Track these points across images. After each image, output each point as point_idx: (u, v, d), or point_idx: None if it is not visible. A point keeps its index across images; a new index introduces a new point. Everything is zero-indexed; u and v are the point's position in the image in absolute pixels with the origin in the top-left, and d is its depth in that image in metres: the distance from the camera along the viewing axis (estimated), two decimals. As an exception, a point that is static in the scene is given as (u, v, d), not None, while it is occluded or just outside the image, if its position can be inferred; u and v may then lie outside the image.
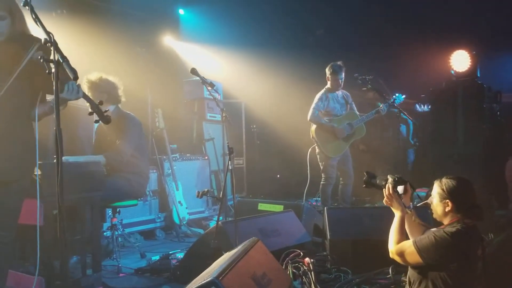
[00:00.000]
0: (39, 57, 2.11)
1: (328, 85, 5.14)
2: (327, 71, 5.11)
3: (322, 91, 5.13)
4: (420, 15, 6.98)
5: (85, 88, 3.77)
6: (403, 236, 2.38)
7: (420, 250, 2.21)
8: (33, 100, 2.53)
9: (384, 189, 2.49)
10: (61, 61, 2.00)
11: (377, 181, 2.58)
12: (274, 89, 7.17)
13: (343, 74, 5.09)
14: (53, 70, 2.01)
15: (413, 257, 2.24)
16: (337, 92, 5.17)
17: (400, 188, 2.44)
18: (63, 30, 4.88)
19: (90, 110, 2.81)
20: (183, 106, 6.66)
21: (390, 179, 2.48)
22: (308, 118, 5.06)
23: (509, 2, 6.65)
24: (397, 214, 2.44)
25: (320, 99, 5.06)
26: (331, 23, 7.65)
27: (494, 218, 4.60)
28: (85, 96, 2.75)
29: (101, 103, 2.69)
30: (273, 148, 7.56)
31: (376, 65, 6.16)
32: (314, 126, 5.08)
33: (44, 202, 3.04)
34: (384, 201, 2.50)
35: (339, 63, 5.09)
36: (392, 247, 2.37)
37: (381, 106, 5.06)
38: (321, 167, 5.12)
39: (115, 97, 3.94)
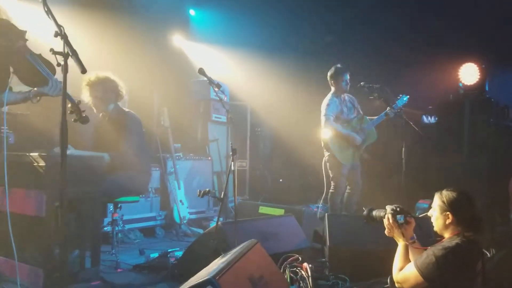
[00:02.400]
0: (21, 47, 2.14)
1: (333, 89, 5.07)
2: (329, 76, 5.05)
3: (329, 96, 5.05)
4: (430, 26, 6.96)
5: (88, 87, 3.81)
6: (407, 264, 2.37)
7: (420, 268, 2.21)
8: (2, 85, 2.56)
9: (383, 220, 2.48)
10: (71, 54, 2.03)
11: (376, 213, 2.57)
12: (281, 93, 7.17)
13: (348, 75, 5.02)
14: (62, 62, 2.03)
15: (416, 279, 2.23)
16: (342, 95, 5.11)
17: (399, 218, 2.42)
18: (73, 26, 4.93)
19: (70, 109, 2.75)
20: (189, 106, 6.67)
21: (388, 209, 2.47)
22: (323, 125, 4.95)
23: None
24: (400, 243, 2.43)
25: (330, 104, 4.97)
26: (340, 31, 7.65)
27: (496, 233, 4.56)
28: (67, 95, 2.74)
29: (79, 102, 2.67)
30: (277, 152, 7.56)
31: (384, 75, 6.14)
32: (328, 134, 4.94)
33: (46, 193, 3.06)
34: (386, 232, 2.48)
35: (339, 65, 5.03)
36: (396, 274, 2.35)
37: (388, 108, 5.01)
38: (331, 175, 5.01)
39: (119, 95, 3.98)
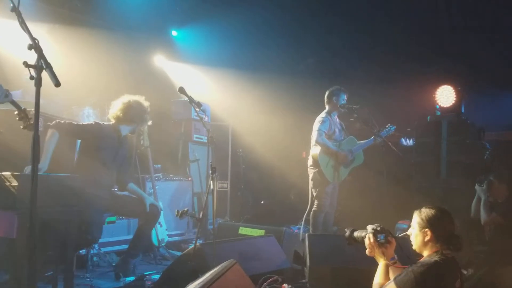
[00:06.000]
0: None
1: (327, 108, 5.07)
2: (328, 93, 5.06)
3: (323, 114, 5.05)
4: (407, 49, 7.15)
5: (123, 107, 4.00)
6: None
7: (400, 286, 2.18)
8: None
9: (364, 240, 2.47)
10: (45, 67, 1.99)
11: (357, 234, 2.56)
12: (263, 114, 7.20)
13: (345, 96, 5.04)
14: (35, 75, 1.99)
15: None
16: (336, 116, 5.13)
17: (380, 237, 2.42)
18: (53, 43, 4.90)
19: (17, 116, 2.64)
20: (170, 126, 6.62)
21: (369, 229, 2.47)
22: (315, 140, 4.91)
23: (497, 40, 6.85)
24: (381, 263, 2.41)
25: (325, 121, 4.96)
26: (322, 54, 7.78)
27: (473, 253, 4.59)
28: (13, 102, 2.69)
29: (25, 109, 2.60)
30: (259, 173, 7.53)
31: (363, 98, 6.23)
32: (317, 150, 4.92)
33: (17, 214, 2.96)
34: (367, 252, 2.47)
35: (336, 86, 5.06)
36: None
37: (376, 132, 5.01)
38: (315, 193, 4.97)
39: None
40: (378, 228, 2.44)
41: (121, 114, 4.00)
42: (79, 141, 4.11)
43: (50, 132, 3.65)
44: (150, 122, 4.34)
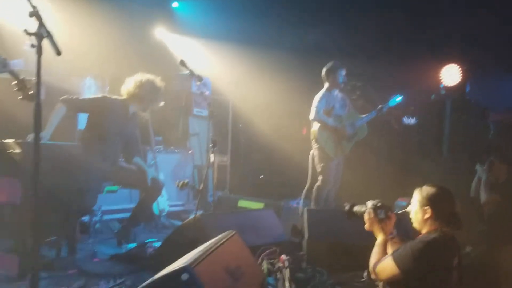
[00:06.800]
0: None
1: (327, 85, 5.05)
2: (326, 70, 5.03)
3: (322, 91, 5.03)
4: (413, 26, 7.03)
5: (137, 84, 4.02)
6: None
7: (397, 260, 2.21)
8: None
9: (364, 215, 2.49)
10: (45, 35, 1.97)
11: (357, 209, 2.58)
12: (264, 89, 7.14)
13: (344, 71, 5.00)
14: (36, 43, 1.97)
15: (391, 269, 2.23)
16: (336, 92, 5.10)
17: (380, 213, 2.44)
18: (54, 12, 4.83)
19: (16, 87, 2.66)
20: (170, 99, 6.57)
21: (369, 204, 2.49)
22: (312, 117, 4.93)
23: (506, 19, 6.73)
24: (378, 239, 2.44)
25: (322, 98, 4.95)
26: (325, 30, 7.66)
27: (473, 232, 4.64)
28: (12, 72, 2.67)
29: (23, 79, 2.59)
30: (258, 148, 7.53)
31: (366, 75, 6.17)
32: (317, 126, 4.94)
33: (21, 181, 3.00)
34: (365, 226, 2.50)
35: (333, 62, 5.02)
36: (373, 266, 2.36)
37: (380, 106, 5.00)
38: (319, 169, 4.99)
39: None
40: (379, 204, 2.47)
41: (132, 91, 4.03)
42: (82, 114, 4.16)
43: (58, 106, 3.74)
44: (162, 103, 4.32)
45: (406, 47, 7.00)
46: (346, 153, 5.10)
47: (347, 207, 2.63)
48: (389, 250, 2.44)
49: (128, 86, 4.07)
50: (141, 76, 4.07)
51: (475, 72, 6.38)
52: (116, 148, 4.13)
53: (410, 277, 2.20)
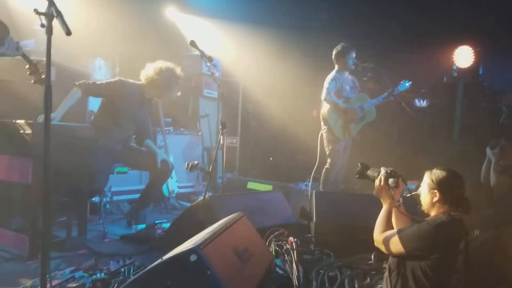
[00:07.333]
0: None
1: (337, 67, 5.01)
2: (336, 53, 4.98)
3: (333, 72, 5.00)
4: (426, 7, 6.88)
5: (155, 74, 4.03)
6: (389, 227, 2.40)
7: (403, 239, 2.22)
8: None
9: (375, 180, 2.49)
10: (55, 15, 1.96)
11: (370, 173, 2.58)
12: (275, 71, 7.10)
13: (354, 53, 4.96)
14: (46, 23, 1.96)
15: (396, 246, 2.25)
16: (346, 74, 5.06)
17: (391, 181, 2.44)
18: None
19: (28, 71, 2.57)
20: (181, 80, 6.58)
21: (382, 171, 2.49)
22: (323, 98, 4.91)
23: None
24: (385, 205, 2.44)
25: (333, 80, 4.92)
26: (336, 10, 7.53)
27: (482, 216, 4.62)
28: (24, 55, 2.64)
29: (36, 63, 2.55)
30: (268, 130, 7.52)
31: (378, 57, 6.07)
32: (326, 107, 4.94)
33: (32, 160, 3.03)
34: (374, 192, 2.50)
35: (343, 44, 4.96)
36: (377, 236, 2.38)
37: (389, 91, 4.97)
38: (327, 151, 5.00)
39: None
40: (392, 172, 2.47)
41: (151, 78, 4.05)
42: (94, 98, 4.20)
43: (74, 90, 3.77)
44: (179, 93, 4.34)
45: (419, 28, 6.87)
46: (353, 136, 5.09)
47: (359, 168, 2.64)
48: (394, 219, 2.47)
49: (147, 71, 4.08)
50: (162, 63, 4.08)
51: (489, 54, 6.26)
52: (129, 132, 4.18)
53: (414, 257, 2.22)
